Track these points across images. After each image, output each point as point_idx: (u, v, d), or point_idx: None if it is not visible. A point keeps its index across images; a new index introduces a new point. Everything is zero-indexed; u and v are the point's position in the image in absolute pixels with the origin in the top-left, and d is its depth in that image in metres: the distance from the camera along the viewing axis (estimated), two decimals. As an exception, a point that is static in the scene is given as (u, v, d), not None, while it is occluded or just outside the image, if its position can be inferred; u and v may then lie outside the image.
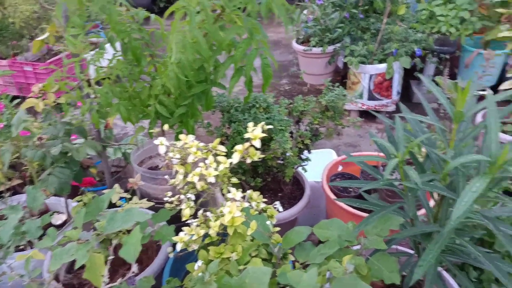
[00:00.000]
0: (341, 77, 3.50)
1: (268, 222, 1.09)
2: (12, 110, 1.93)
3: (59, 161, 1.27)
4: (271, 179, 1.79)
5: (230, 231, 1.07)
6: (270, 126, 1.08)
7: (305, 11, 3.27)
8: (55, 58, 3.40)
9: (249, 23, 1.06)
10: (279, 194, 1.82)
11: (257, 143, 1.02)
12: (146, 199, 1.44)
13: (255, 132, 1.03)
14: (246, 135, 1.03)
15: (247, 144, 1.04)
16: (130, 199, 1.41)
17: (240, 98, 1.71)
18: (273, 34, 5.11)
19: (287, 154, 1.59)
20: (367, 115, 3.11)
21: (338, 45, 3.01)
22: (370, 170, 1.08)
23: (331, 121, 1.74)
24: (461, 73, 3.26)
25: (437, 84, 1.55)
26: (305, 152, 1.82)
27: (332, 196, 1.66)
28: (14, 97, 3.61)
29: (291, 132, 1.78)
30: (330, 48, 3.00)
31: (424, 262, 0.82)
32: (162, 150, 1.08)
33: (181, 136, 1.20)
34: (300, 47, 3.07)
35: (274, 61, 1.15)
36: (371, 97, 2.99)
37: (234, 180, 1.16)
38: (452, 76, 3.49)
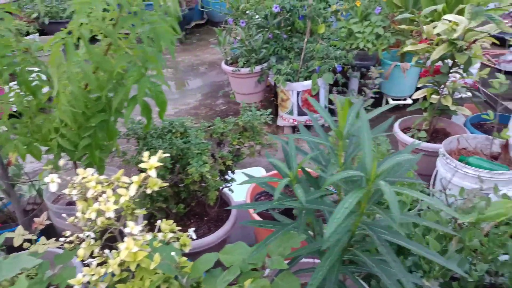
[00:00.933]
0: (273, 94, 3.58)
1: (173, 253, 1.06)
2: None
3: None
4: (196, 203, 1.76)
5: (132, 267, 1.03)
6: (167, 155, 1.05)
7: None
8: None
9: (141, 51, 1.04)
10: (205, 218, 1.79)
11: (153, 173, 1.00)
12: (54, 238, 1.35)
13: (151, 161, 1.01)
14: (141, 165, 1.00)
15: (143, 175, 1.01)
16: (36, 240, 1.32)
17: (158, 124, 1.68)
18: (208, 56, 5.15)
19: (207, 177, 1.58)
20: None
21: (265, 64, 3.08)
22: (271, 190, 1.09)
23: (251, 140, 1.76)
24: (383, 85, 3.46)
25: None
26: (230, 173, 1.81)
27: (255, 216, 1.66)
28: None
29: (213, 155, 1.77)
30: (258, 68, 3.06)
31: (314, 278, 0.83)
32: (53, 188, 1.02)
33: (79, 171, 1.14)
34: (229, 68, 3.11)
35: (168, 86, 1.14)
36: (300, 113, 3.08)
37: (138, 211, 1.12)
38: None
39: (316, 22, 3.04)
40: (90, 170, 1.13)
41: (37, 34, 4.41)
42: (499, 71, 3.85)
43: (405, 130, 2.42)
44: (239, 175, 1.81)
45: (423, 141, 2.24)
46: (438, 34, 2.04)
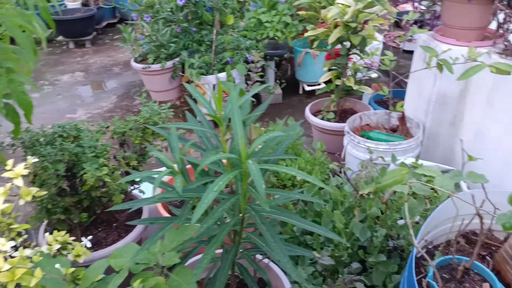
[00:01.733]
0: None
1: (57, 265, 0.97)
2: None
3: None
4: (102, 210, 1.66)
5: (10, 286, 0.93)
6: (36, 160, 0.96)
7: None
8: None
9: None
10: (114, 225, 1.69)
11: (19, 182, 0.90)
12: None
13: (16, 169, 0.91)
14: (5, 174, 0.90)
15: (8, 185, 0.92)
16: None
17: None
18: (122, 55, 4.92)
19: (107, 181, 1.48)
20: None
21: (177, 59, 3.00)
22: (165, 186, 1.04)
23: (156, 137, 1.70)
24: (297, 72, 3.56)
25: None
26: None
27: (162, 212, 1.61)
28: None
29: (115, 157, 1.68)
30: (169, 64, 2.98)
31: (199, 267, 0.81)
32: None
33: None
34: (139, 66, 2.99)
35: (34, 86, 1.04)
36: (219, 106, 3.05)
37: (15, 226, 1.01)
38: (293, 77, 3.81)
39: (224, 13, 3.02)
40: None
41: None
42: (404, 51, 4.16)
43: (317, 113, 2.50)
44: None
45: (332, 122, 2.34)
46: (335, 19, 2.13)
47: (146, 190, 1.79)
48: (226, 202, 0.80)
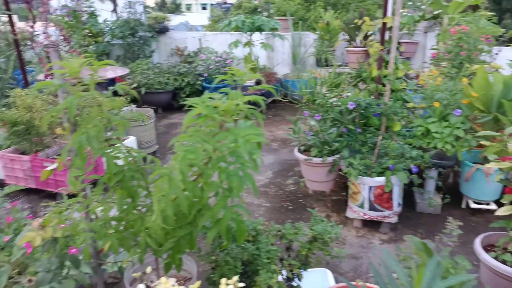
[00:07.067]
0: (344, 182, 3.59)
1: None
2: (20, 223, 2.05)
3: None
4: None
5: None
6: (242, 284, 1.12)
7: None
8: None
9: (229, 181, 1.17)
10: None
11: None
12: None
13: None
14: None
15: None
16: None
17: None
18: (281, 132, 5.37)
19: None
20: (371, 224, 3.12)
21: (338, 156, 3.14)
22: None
23: (320, 250, 1.78)
24: (463, 185, 3.29)
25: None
26: (296, 279, 1.82)
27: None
28: (31, 189, 3.73)
29: (281, 259, 1.81)
30: (330, 159, 3.13)
31: None
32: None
33: (162, 280, 1.25)
34: (302, 157, 3.22)
35: (248, 214, 1.24)
36: (372, 208, 3.02)
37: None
38: (455, 185, 3.52)
39: (391, 119, 3.08)
40: (172, 280, 1.23)
41: (134, 106, 5.01)
42: None
43: (489, 247, 2.24)
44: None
45: (509, 265, 2.05)
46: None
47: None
48: None
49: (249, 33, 5.87)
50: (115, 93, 1.96)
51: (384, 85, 3.11)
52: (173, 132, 5.63)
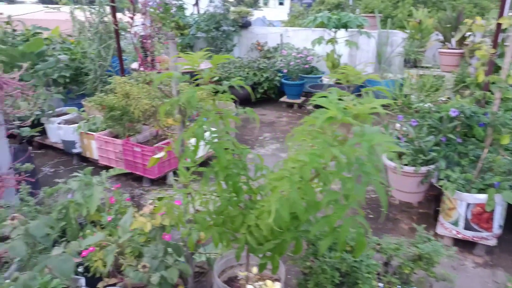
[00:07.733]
0: (434, 196, 3.31)
1: None
2: (121, 204, 2.17)
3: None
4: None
5: None
6: None
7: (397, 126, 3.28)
8: (162, 143, 3.81)
9: (345, 190, 1.09)
10: None
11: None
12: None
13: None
14: None
15: None
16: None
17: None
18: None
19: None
20: (463, 244, 2.85)
21: (432, 166, 2.90)
22: None
23: (423, 270, 1.63)
24: None
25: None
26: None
27: None
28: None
29: (378, 273, 1.70)
30: (424, 169, 2.90)
31: None
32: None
33: (268, 283, 1.22)
34: (391, 164, 3.03)
35: (367, 226, 1.15)
36: (468, 227, 2.75)
37: None
38: None
39: (499, 131, 2.76)
40: (278, 285, 1.20)
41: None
42: None
43: None
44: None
45: None
46: None
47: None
48: None
49: (333, 29, 5.70)
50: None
51: (492, 93, 2.80)
52: (249, 127, 5.67)
